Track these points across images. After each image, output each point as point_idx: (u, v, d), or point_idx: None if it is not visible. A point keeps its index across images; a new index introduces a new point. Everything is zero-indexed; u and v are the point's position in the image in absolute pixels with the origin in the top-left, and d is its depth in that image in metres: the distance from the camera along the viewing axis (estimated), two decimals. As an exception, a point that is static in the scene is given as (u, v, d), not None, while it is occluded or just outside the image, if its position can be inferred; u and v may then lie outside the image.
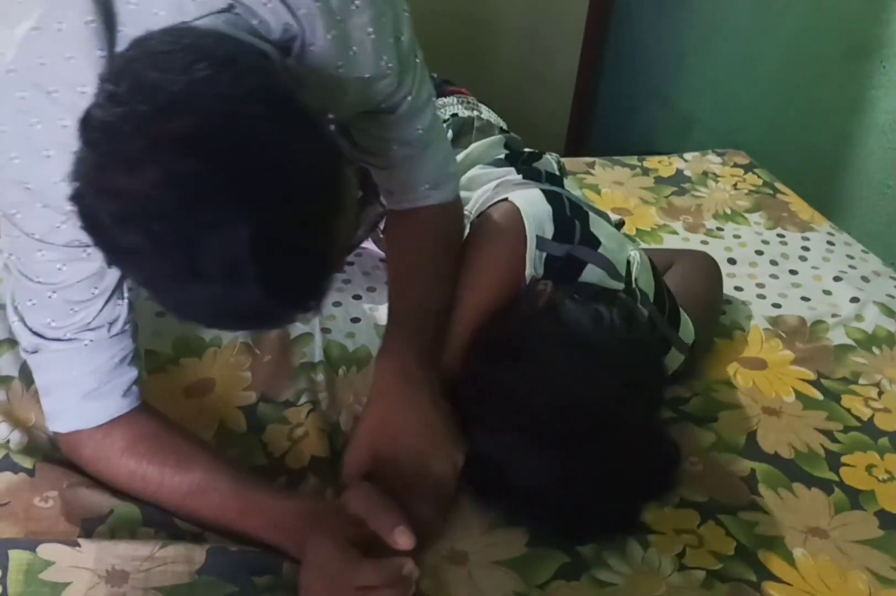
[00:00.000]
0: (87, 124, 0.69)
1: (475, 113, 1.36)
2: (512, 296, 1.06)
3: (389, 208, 1.12)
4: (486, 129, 1.34)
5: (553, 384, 0.93)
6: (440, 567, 0.93)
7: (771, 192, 1.71)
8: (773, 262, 1.51)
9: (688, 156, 1.83)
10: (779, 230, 1.60)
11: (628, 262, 1.12)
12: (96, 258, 0.85)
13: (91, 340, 0.92)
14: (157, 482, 0.94)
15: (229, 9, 0.79)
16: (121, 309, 0.93)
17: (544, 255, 1.06)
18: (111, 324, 0.93)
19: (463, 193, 1.17)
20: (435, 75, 1.44)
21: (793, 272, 1.49)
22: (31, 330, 0.93)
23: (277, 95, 0.70)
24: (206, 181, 0.65)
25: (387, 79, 0.92)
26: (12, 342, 1.18)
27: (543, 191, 1.10)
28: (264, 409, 1.12)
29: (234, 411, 1.12)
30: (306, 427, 1.09)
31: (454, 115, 1.36)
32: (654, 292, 1.14)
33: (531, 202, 1.07)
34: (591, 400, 0.92)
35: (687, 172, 1.78)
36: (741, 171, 1.78)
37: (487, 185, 1.21)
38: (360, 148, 1.04)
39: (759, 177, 1.76)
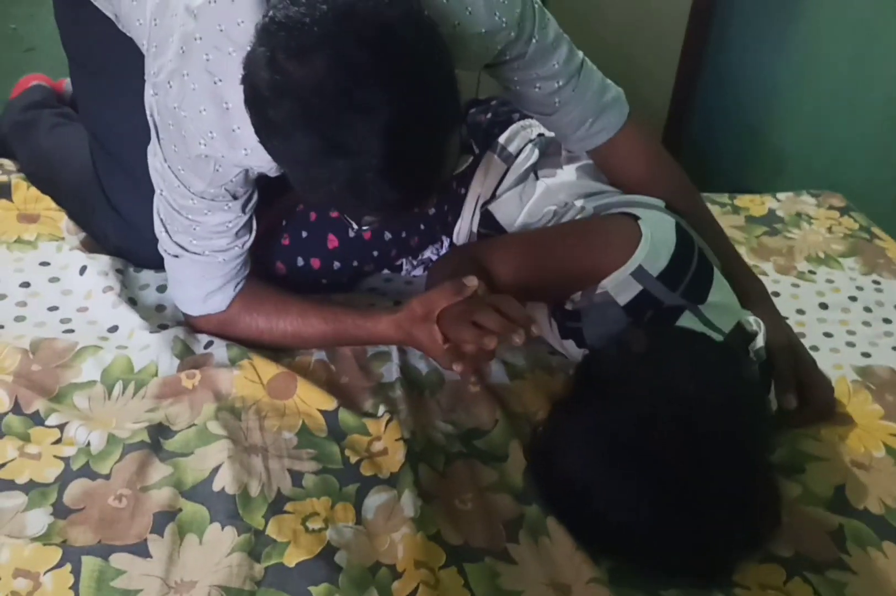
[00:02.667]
0: (267, 22, 0.84)
1: None
2: (568, 289, 1.14)
3: (580, 150, 1.30)
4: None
5: (655, 424, 0.92)
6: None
7: (867, 236, 1.66)
8: (867, 309, 1.47)
9: (781, 195, 1.78)
10: (874, 276, 1.55)
11: (739, 324, 1.11)
12: (235, 209, 1.12)
13: (224, 259, 1.17)
14: (272, 331, 1.21)
15: None
16: (249, 235, 1.17)
17: (640, 288, 1.06)
18: (242, 245, 1.17)
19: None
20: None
21: (886, 321, 1.44)
22: (176, 243, 1.16)
23: (429, 22, 0.87)
24: (366, 70, 0.81)
25: (502, 32, 1.06)
26: (96, 348, 1.21)
27: (679, 227, 1.10)
28: (345, 416, 1.13)
29: (315, 414, 1.13)
30: (385, 442, 1.09)
31: (541, 134, 1.36)
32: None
33: (658, 235, 1.08)
34: (696, 440, 0.90)
35: (779, 212, 1.73)
36: (837, 214, 1.72)
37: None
38: (519, 102, 1.23)
39: (855, 220, 1.70)
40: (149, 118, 1.06)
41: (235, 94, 0.91)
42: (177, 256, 1.17)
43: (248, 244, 1.18)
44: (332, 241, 1.35)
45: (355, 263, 1.39)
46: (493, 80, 1.21)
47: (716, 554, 0.93)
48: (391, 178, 0.85)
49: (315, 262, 1.36)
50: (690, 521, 0.89)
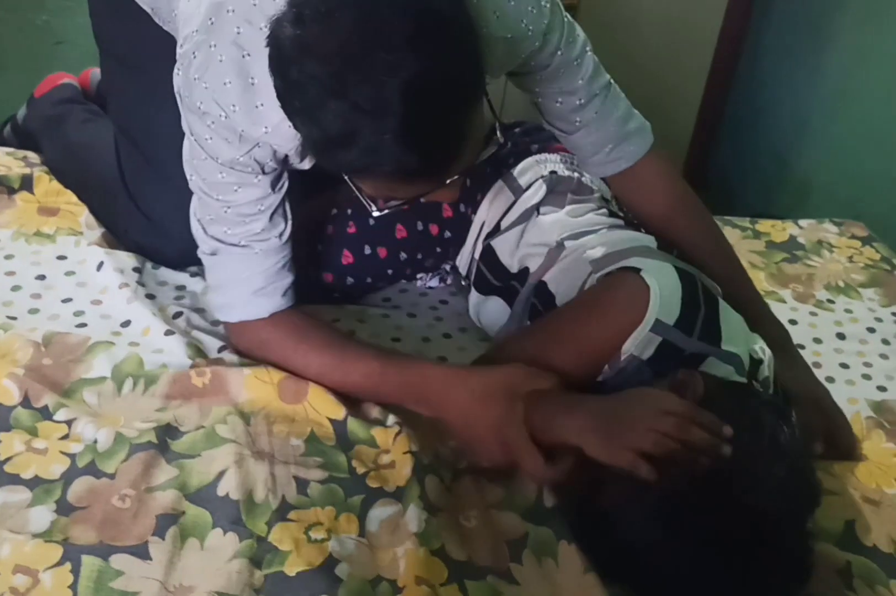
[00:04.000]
0: None
1: (576, 174, 1.34)
2: (595, 365, 1.07)
3: (597, 176, 1.30)
4: (583, 192, 1.31)
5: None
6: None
7: (888, 267, 1.64)
8: (885, 342, 1.45)
9: (803, 222, 1.77)
10: (894, 309, 1.53)
11: (751, 357, 1.09)
12: (264, 185, 1.08)
13: (261, 249, 1.12)
14: (309, 363, 1.14)
15: None
16: (284, 224, 1.13)
17: (660, 339, 1.03)
18: (279, 235, 1.13)
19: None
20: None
21: (904, 354, 1.42)
22: (212, 236, 1.13)
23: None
24: (389, 31, 0.81)
25: (528, 40, 1.06)
26: (108, 344, 1.21)
27: (677, 269, 1.07)
28: (354, 426, 1.11)
29: (324, 422, 1.11)
30: (393, 455, 1.08)
31: (553, 172, 1.34)
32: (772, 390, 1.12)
33: (663, 283, 1.04)
34: (746, 506, 0.90)
35: (801, 239, 1.72)
36: (858, 244, 1.71)
37: (615, 233, 1.21)
38: (543, 115, 1.21)
39: (877, 251, 1.69)
40: (176, 95, 1.05)
41: (263, 70, 0.91)
42: (214, 254, 1.14)
43: (286, 236, 1.14)
44: (347, 257, 1.34)
45: (369, 280, 1.38)
46: (516, 104, 1.20)
47: None
48: (409, 140, 0.84)
49: (328, 277, 1.35)
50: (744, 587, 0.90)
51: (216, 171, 1.07)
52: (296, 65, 0.84)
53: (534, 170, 1.34)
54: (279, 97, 0.89)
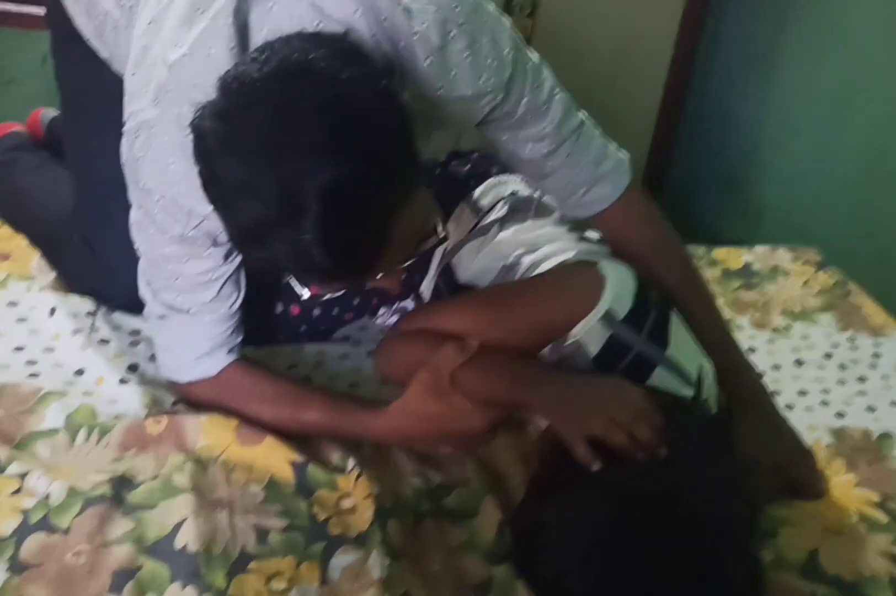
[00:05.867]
0: (224, 76, 0.84)
1: (536, 194, 1.35)
2: (536, 344, 1.10)
3: (575, 217, 1.25)
4: (545, 211, 1.32)
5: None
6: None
7: (843, 293, 1.66)
8: (842, 367, 1.46)
9: (758, 249, 1.79)
10: (849, 334, 1.55)
11: (700, 372, 1.09)
12: (215, 257, 1.06)
13: (211, 319, 1.11)
14: (262, 415, 1.14)
15: (345, 35, 0.91)
16: (237, 293, 1.12)
17: (609, 333, 1.04)
18: (230, 306, 1.12)
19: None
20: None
21: (861, 379, 1.43)
22: (161, 303, 1.11)
23: (386, 87, 0.85)
24: (306, 133, 0.79)
25: (489, 95, 1.03)
26: (60, 394, 1.19)
27: (631, 270, 1.10)
28: (314, 471, 1.10)
29: (284, 466, 1.10)
30: (354, 499, 1.07)
31: (513, 193, 1.35)
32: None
33: (619, 276, 1.07)
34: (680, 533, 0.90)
35: (756, 266, 1.73)
36: (812, 269, 1.73)
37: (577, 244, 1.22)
38: (511, 164, 1.19)
39: (830, 276, 1.71)
40: (123, 167, 1.03)
41: None
42: (163, 317, 1.13)
43: (237, 306, 1.13)
44: (314, 288, 1.33)
45: (335, 311, 1.37)
46: (474, 133, 1.19)
47: None
48: (323, 245, 0.80)
49: (294, 309, 1.34)
50: None
51: (165, 245, 1.06)
52: (215, 158, 0.83)
53: (495, 191, 1.35)
54: (202, 183, 0.87)
